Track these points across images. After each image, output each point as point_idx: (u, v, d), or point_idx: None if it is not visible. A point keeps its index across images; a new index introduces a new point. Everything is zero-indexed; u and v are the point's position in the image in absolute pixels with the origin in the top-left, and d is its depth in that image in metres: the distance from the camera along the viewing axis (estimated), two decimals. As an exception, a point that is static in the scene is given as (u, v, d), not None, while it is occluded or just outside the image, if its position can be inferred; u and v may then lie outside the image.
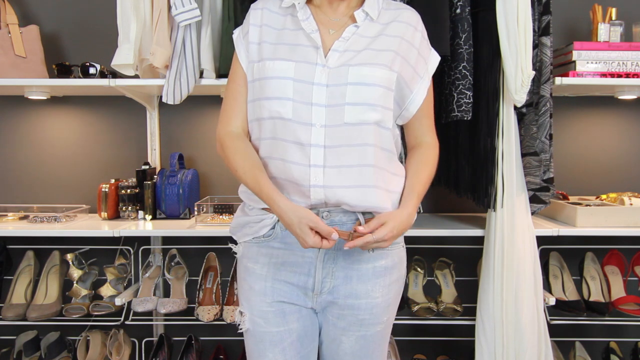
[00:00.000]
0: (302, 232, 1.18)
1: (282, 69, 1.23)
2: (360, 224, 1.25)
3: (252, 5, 1.34)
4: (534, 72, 1.64)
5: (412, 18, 1.34)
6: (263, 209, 1.30)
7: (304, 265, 1.30)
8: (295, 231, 1.20)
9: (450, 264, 2.14)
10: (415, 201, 1.29)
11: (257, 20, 1.31)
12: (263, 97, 1.25)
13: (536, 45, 1.72)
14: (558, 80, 1.81)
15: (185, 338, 2.14)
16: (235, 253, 1.40)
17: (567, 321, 1.97)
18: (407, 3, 1.71)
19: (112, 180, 2.07)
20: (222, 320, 1.90)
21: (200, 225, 1.93)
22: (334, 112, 1.21)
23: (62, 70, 1.99)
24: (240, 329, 1.34)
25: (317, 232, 1.18)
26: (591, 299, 2.00)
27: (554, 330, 1.92)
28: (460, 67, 1.68)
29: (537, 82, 1.74)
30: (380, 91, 1.24)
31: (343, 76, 1.22)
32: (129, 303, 1.95)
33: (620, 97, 2.11)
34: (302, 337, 1.33)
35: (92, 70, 1.94)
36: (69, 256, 2.04)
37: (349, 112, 1.22)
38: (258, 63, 1.28)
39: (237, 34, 1.37)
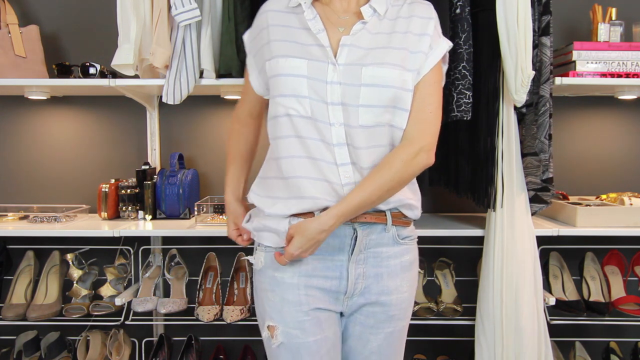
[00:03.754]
0: (228, 225, 1.46)
1: (294, 66, 1.22)
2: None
3: (259, 11, 1.35)
4: (533, 72, 1.64)
5: (426, 10, 1.29)
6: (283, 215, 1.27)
7: (335, 269, 1.28)
8: (227, 222, 1.46)
9: (450, 264, 2.14)
10: (337, 215, 1.20)
11: (264, 23, 1.31)
12: (277, 94, 1.24)
13: (536, 45, 1.72)
14: (558, 80, 1.80)
15: (185, 338, 2.14)
16: (251, 263, 1.33)
17: (567, 321, 1.97)
18: (407, 3, 1.72)
19: (112, 180, 2.07)
20: (222, 320, 1.90)
21: (200, 225, 1.93)
22: (349, 112, 1.21)
23: (62, 70, 1.99)
24: (273, 344, 1.26)
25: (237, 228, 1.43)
26: (591, 299, 2.00)
27: (554, 330, 1.92)
28: (460, 67, 1.68)
29: (536, 82, 1.73)
30: (393, 93, 1.21)
31: (356, 76, 1.20)
32: (129, 303, 1.95)
33: (620, 97, 2.11)
34: (336, 344, 1.31)
35: (92, 70, 1.94)
36: (69, 256, 2.04)
37: (363, 115, 1.21)
38: (270, 61, 1.26)
39: (246, 37, 1.40)
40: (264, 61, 1.29)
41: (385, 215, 1.28)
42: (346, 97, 1.20)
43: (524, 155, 1.79)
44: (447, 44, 1.30)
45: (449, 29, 1.68)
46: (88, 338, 2.14)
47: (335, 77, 1.20)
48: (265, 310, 1.29)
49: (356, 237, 1.27)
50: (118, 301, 1.91)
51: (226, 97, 2.11)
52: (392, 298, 1.32)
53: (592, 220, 1.85)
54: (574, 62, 1.84)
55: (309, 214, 1.24)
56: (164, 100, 1.81)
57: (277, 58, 1.24)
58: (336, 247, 1.27)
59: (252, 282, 1.61)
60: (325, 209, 1.22)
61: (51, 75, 2.01)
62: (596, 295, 2.02)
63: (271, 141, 1.30)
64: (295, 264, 1.27)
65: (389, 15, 1.27)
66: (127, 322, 1.96)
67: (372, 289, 1.30)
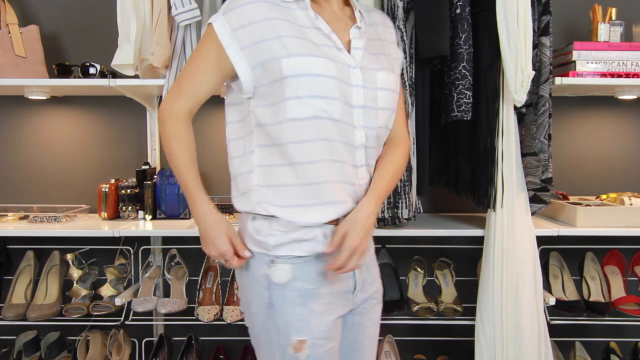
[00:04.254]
0: (218, 238, 1.23)
1: (323, 66, 1.16)
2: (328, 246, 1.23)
3: (242, 1, 1.19)
4: (533, 72, 1.64)
5: (385, 18, 1.39)
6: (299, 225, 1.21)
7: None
8: (211, 234, 1.24)
9: (450, 264, 2.14)
10: (375, 196, 1.25)
11: (259, 14, 1.17)
12: (304, 95, 1.15)
13: (536, 46, 1.72)
14: (558, 80, 1.81)
15: (185, 338, 2.14)
16: (269, 275, 1.22)
17: (567, 321, 1.97)
18: (409, 3, 1.72)
19: (112, 180, 2.07)
20: (222, 320, 1.90)
21: (198, 225, 1.93)
22: (369, 114, 1.23)
23: (62, 70, 1.99)
24: (298, 358, 1.21)
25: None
26: (591, 299, 2.00)
27: (554, 330, 1.92)
28: (460, 67, 1.68)
29: (536, 82, 1.73)
30: (395, 96, 1.30)
31: (373, 80, 1.23)
32: (129, 303, 1.95)
33: (620, 97, 2.11)
34: (338, 345, 1.32)
35: (92, 70, 1.94)
36: (69, 256, 2.04)
37: (381, 116, 1.26)
38: (290, 58, 1.15)
39: (221, 23, 1.19)
40: (272, 57, 1.16)
41: None
42: (367, 100, 1.23)
43: (523, 155, 1.79)
44: (401, 52, 1.44)
45: (449, 29, 1.68)
46: (88, 338, 2.14)
47: (359, 80, 1.21)
48: (291, 325, 1.21)
49: None
50: (118, 301, 1.91)
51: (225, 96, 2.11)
52: (376, 285, 1.39)
53: (592, 220, 1.85)
54: (574, 62, 1.84)
55: (334, 220, 1.23)
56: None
57: (300, 56, 1.15)
58: None
59: (247, 292, 1.32)
60: (347, 213, 1.22)
61: (51, 75, 2.01)
62: (596, 295, 2.02)
63: (287, 145, 1.18)
64: (321, 274, 1.23)
65: (367, 22, 1.31)
66: (127, 322, 1.96)
67: (367, 280, 1.34)
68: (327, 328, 1.23)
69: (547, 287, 2.05)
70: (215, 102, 2.20)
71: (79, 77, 1.96)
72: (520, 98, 1.65)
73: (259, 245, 1.23)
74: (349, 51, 1.23)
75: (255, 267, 1.25)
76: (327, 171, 1.19)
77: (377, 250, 2.09)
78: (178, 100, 1.25)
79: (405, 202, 1.74)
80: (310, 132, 1.17)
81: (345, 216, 1.22)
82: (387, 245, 2.14)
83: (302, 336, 1.20)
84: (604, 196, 2.09)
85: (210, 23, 1.22)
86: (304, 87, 1.15)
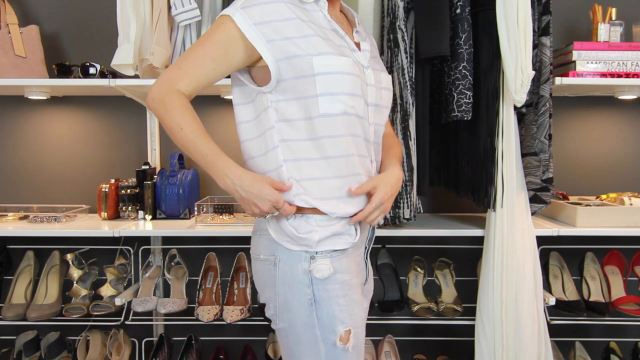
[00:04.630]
0: (265, 190, 1.17)
1: (350, 65, 1.21)
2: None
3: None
4: (533, 72, 1.64)
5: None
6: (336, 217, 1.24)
7: (361, 261, 1.35)
8: (255, 190, 1.17)
9: (450, 264, 2.14)
10: (400, 165, 1.36)
11: (286, 13, 1.19)
12: (336, 92, 1.19)
13: (536, 46, 1.72)
14: (558, 80, 1.81)
15: (185, 338, 2.14)
16: (313, 271, 1.23)
17: (567, 321, 1.97)
18: (409, 3, 1.72)
19: (112, 180, 2.07)
20: (222, 320, 1.90)
21: (200, 225, 1.93)
22: (379, 112, 1.31)
23: (62, 70, 1.99)
24: (347, 349, 1.23)
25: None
26: (591, 299, 2.00)
27: (554, 330, 1.92)
28: (460, 67, 1.69)
29: (536, 82, 1.74)
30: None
31: (378, 80, 1.30)
32: (129, 303, 1.95)
33: (620, 97, 2.11)
34: None
35: (92, 70, 1.94)
36: (69, 256, 2.04)
37: (385, 114, 1.35)
38: (321, 57, 1.17)
39: (241, 16, 1.18)
40: (302, 54, 1.17)
41: None
42: (377, 98, 1.30)
43: (523, 155, 1.79)
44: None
45: (449, 29, 1.68)
46: (88, 338, 2.14)
47: (372, 80, 1.28)
48: (335, 317, 1.23)
49: (373, 226, 1.38)
50: (118, 301, 1.91)
51: (226, 97, 2.11)
52: (373, 282, 1.45)
53: (592, 220, 1.85)
54: (574, 62, 1.84)
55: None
56: (164, 100, 1.81)
57: (330, 55, 1.18)
58: (363, 238, 1.33)
59: (285, 292, 1.29)
60: None
61: (51, 75, 2.01)
62: (596, 295, 2.02)
63: (321, 140, 1.20)
64: (355, 264, 1.29)
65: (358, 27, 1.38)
66: (127, 322, 1.96)
67: (369, 274, 1.41)
68: (364, 315, 1.32)
69: (547, 287, 2.05)
70: (215, 102, 2.21)
71: (79, 77, 1.96)
72: (520, 98, 1.65)
73: (300, 242, 1.22)
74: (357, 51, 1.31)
75: (292, 266, 1.23)
76: (357, 165, 1.25)
77: (377, 251, 2.10)
78: (179, 81, 1.20)
79: (407, 202, 1.74)
80: (341, 127, 1.21)
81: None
82: (387, 245, 2.14)
83: (347, 326, 1.23)
84: (604, 196, 2.09)
85: (224, 15, 1.21)
86: (335, 84, 1.18)
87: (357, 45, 1.31)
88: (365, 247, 1.37)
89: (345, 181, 1.23)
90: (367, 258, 1.38)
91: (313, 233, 1.21)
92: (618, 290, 2.03)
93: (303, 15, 1.21)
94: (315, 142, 1.20)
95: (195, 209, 1.99)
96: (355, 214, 1.25)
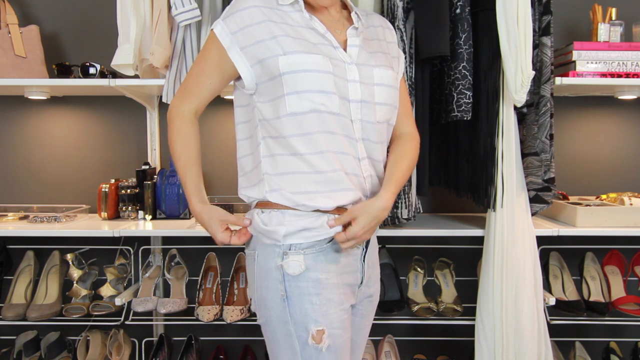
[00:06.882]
0: (213, 227, 1.31)
1: (319, 62, 1.21)
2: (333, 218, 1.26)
3: (239, 6, 1.26)
4: (533, 72, 1.64)
5: (384, 20, 1.44)
6: (315, 210, 1.25)
7: (354, 263, 1.31)
8: (209, 229, 1.32)
9: (450, 264, 2.14)
10: (393, 189, 1.29)
11: (256, 18, 1.24)
12: (304, 89, 1.20)
13: (536, 45, 1.72)
14: (558, 80, 1.81)
15: (185, 338, 2.14)
16: (283, 266, 1.24)
17: (567, 321, 1.97)
18: (409, 3, 1.72)
19: (112, 180, 2.07)
20: (222, 320, 1.90)
21: (200, 225, 1.93)
22: (367, 109, 1.28)
23: (62, 70, 1.99)
24: (321, 348, 1.22)
25: (227, 228, 1.32)
26: (591, 299, 2.00)
27: (554, 330, 1.92)
28: (460, 67, 1.68)
29: (537, 82, 1.74)
30: (394, 92, 1.34)
31: (369, 76, 1.28)
32: (129, 303, 1.95)
33: (620, 97, 2.11)
34: None
35: (92, 70, 1.94)
36: (69, 256, 2.04)
37: (379, 111, 1.30)
38: (285, 56, 1.21)
39: (221, 28, 1.26)
40: (270, 56, 1.22)
41: None
42: (365, 95, 1.27)
43: (524, 155, 1.79)
44: (402, 52, 1.48)
45: (449, 29, 1.68)
46: (88, 338, 2.14)
47: (356, 76, 1.26)
48: (308, 315, 1.23)
49: None
50: (118, 301, 1.91)
51: (226, 97, 2.11)
52: (377, 284, 1.42)
53: (592, 220, 1.85)
54: (574, 62, 1.84)
55: (342, 209, 1.26)
56: (164, 100, 1.81)
57: (296, 54, 1.21)
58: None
59: (261, 286, 1.31)
60: (357, 201, 1.27)
61: (51, 75, 2.01)
62: (596, 295, 2.02)
63: (289, 138, 1.23)
64: (334, 263, 1.27)
65: (364, 24, 1.36)
66: (127, 322, 1.96)
67: (371, 278, 1.37)
68: (344, 317, 1.27)
69: (547, 287, 2.05)
70: (215, 102, 2.20)
71: (79, 77, 1.96)
72: (521, 98, 1.65)
73: (269, 236, 1.25)
74: (345, 49, 1.28)
75: (267, 261, 1.26)
76: (334, 161, 1.23)
77: (377, 250, 2.10)
78: (184, 102, 1.34)
79: (405, 202, 1.74)
80: (311, 125, 1.22)
81: (353, 204, 1.26)
82: (387, 245, 2.14)
83: (321, 326, 1.23)
84: (604, 196, 2.09)
85: (212, 29, 1.29)
86: (301, 82, 1.21)
87: (345, 42, 1.29)
88: (363, 250, 1.33)
89: (321, 176, 1.23)
90: (363, 261, 1.33)
91: (280, 227, 1.24)
92: (618, 290, 2.03)
93: (276, 17, 1.25)
94: (285, 140, 1.23)
95: (195, 209, 1.98)
96: (335, 235, 1.24)
